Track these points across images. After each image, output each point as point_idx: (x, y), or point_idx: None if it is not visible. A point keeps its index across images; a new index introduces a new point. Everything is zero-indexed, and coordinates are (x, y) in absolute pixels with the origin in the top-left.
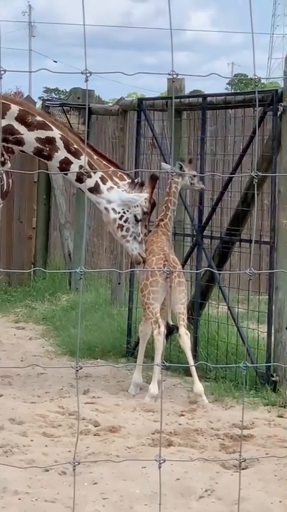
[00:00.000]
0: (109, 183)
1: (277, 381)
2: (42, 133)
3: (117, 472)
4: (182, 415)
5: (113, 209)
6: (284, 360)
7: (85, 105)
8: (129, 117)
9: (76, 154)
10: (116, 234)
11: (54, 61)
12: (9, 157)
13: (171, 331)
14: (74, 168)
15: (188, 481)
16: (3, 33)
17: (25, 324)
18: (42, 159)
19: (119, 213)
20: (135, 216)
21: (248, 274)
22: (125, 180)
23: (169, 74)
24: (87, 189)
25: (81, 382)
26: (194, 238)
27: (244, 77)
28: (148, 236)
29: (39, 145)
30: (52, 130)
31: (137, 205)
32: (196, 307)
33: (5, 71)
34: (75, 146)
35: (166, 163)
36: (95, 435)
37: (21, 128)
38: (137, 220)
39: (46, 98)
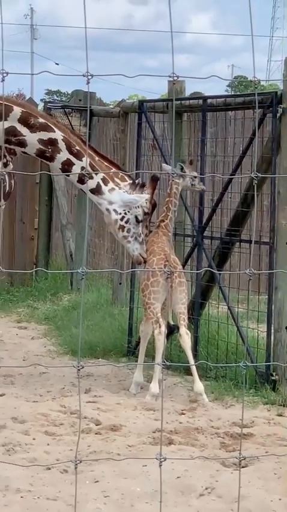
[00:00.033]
0: (111, 185)
1: (277, 380)
2: (45, 135)
3: (119, 470)
4: (183, 414)
5: (115, 210)
6: (284, 359)
7: (87, 107)
8: (130, 119)
9: (78, 156)
10: (117, 234)
11: (56, 63)
12: (12, 158)
13: (172, 330)
14: (76, 169)
15: (188, 479)
16: (5, 35)
17: (27, 323)
18: (45, 161)
19: (120, 214)
20: (136, 217)
21: (248, 274)
22: (126, 181)
23: (170, 76)
24: (89, 190)
25: (83, 381)
26: (194, 239)
27: (243, 79)
28: (149, 237)
29: (41, 147)
30: (54, 132)
31: (138, 206)
32: (196, 307)
33: (7, 73)
34: (77, 148)
35: (167, 164)
36: (96, 434)
37: (23, 130)
38: (138, 221)
39: (48, 100)
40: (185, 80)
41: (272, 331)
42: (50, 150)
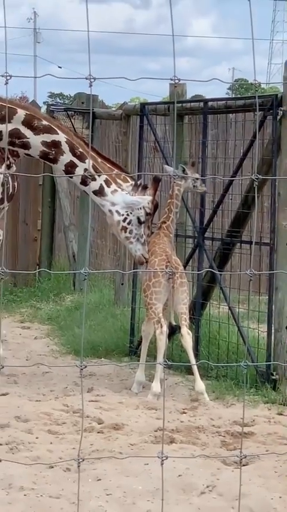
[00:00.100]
0: (113, 186)
1: (277, 379)
2: (48, 137)
3: (121, 468)
4: (184, 413)
5: (117, 211)
6: (284, 359)
7: (89, 109)
8: (132, 122)
9: (81, 158)
10: (119, 235)
11: (58, 67)
12: (15, 160)
13: (173, 330)
14: (79, 171)
15: (189, 477)
16: (9, 39)
17: (30, 323)
18: (48, 162)
19: (122, 215)
20: (138, 218)
21: (249, 275)
22: (129, 183)
23: (171, 79)
24: (92, 192)
25: (86, 381)
26: (195, 240)
27: (244, 82)
28: (151, 238)
29: (45, 149)
30: (58, 134)
31: (141, 208)
32: (197, 307)
33: (10, 76)
34: (80, 150)
35: (168, 165)
36: (98, 432)
37: (27, 132)
38: (140, 222)
39: (51, 103)
40: (187, 82)
41: (273, 331)
42: (53, 152)
